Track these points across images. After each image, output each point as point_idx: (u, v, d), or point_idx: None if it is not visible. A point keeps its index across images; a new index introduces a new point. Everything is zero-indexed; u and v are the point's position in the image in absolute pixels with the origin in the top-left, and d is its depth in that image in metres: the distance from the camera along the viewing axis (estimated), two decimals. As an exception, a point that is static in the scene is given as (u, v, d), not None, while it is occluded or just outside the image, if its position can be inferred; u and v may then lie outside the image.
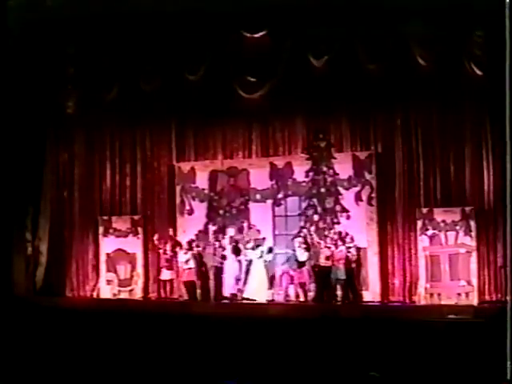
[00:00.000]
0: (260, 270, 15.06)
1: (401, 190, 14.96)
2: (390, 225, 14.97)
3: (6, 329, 12.22)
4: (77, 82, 16.45)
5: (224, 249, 15.52)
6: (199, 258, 15.59)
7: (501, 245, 13.09)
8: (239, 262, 15.38)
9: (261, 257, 15.07)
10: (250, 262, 15.20)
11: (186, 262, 15.59)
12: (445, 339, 10.69)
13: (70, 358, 11.28)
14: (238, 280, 15.28)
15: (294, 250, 14.99)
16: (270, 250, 15.24)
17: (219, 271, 15.39)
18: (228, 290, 15.33)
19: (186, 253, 15.64)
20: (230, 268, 15.37)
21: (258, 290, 14.98)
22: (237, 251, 15.42)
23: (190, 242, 15.83)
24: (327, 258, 14.64)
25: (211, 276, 15.39)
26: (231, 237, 15.71)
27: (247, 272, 15.20)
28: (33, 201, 17.00)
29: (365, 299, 14.74)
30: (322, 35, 14.49)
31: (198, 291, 15.50)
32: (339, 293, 14.59)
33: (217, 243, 15.62)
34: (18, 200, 16.33)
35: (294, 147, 15.84)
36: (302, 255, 14.81)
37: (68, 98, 16.49)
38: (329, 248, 14.67)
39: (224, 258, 15.42)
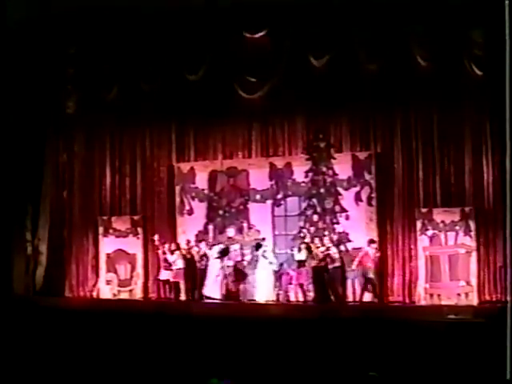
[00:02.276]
0: (264, 269, 15.04)
1: (400, 190, 14.95)
2: (390, 225, 14.97)
3: (6, 328, 12.22)
4: (77, 82, 16.45)
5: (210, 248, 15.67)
6: (187, 259, 15.66)
7: (501, 245, 13.08)
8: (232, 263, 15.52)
9: (264, 256, 15.05)
10: (255, 262, 15.25)
11: (174, 262, 15.66)
12: (445, 339, 10.68)
13: (69, 358, 11.27)
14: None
15: (292, 250, 15.02)
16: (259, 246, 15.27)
17: (203, 273, 15.49)
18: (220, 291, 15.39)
19: (172, 253, 15.72)
20: (215, 269, 15.41)
21: (264, 291, 14.96)
22: (224, 253, 15.47)
23: (177, 243, 15.94)
24: (323, 258, 14.70)
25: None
26: (217, 241, 15.84)
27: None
28: (32, 201, 17.00)
29: (364, 299, 14.75)
30: (322, 35, 14.50)
31: (183, 292, 15.60)
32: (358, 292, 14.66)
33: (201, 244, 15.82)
34: (18, 200, 16.35)
35: (294, 147, 15.84)
36: (301, 255, 14.82)
37: (68, 98, 16.49)
38: (328, 248, 14.72)
39: (207, 259, 15.52)
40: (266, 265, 15.05)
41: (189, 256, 15.69)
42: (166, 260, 15.81)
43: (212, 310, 14.48)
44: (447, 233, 14.14)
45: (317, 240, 14.92)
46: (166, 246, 15.93)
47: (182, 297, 15.60)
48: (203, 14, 14.56)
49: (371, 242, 14.60)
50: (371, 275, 14.47)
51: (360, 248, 14.73)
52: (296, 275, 14.93)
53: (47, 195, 17.18)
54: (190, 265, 15.61)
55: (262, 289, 15.04)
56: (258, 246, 15.30)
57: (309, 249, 14.78)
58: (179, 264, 15.61)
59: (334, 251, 14.68)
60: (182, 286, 15.62)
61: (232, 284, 15.49)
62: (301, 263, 14.83)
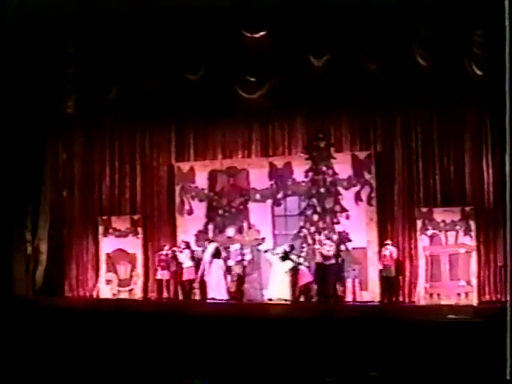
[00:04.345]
0: (280, 271, 15.00)
1: (400, 189, 14.97)
2: (390, 225, 14.98)
3: (6, 328, 12.22)
4: (77, 82, 16.42)
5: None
6: (196, 258, 15.72)
7: (501, 245, 13.08)
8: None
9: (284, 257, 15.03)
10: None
11: (183, 261, 15.71)
12: (445, 339, 10.68)
13: (69, 357, 11.26)
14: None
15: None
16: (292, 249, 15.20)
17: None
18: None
19: (181, 252, 15.75)
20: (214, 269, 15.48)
21: (279, 292, 14.94)
22: (217, 254, 15.51)
23: (187, 242, 15.94)
24: (324, 257, 14.73)
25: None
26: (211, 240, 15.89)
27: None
28: (32, 201, 16.98)
29: (365, 299, 14.76)
30: (322, 35, 14.50)
31: (194, 291, 15.69)
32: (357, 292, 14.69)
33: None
34: (18, 200, 16.33)
35: (294, 147, 15.83)
36: (285, 266, 14.88)
37: (68, 98, 16.47)
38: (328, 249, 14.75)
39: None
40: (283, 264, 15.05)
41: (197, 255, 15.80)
42: (166, 260, 15.81)
43: (212, 310, 14.48)
44: (447, 232, 14.16)
45: (315, 239, 14.97)
46: (167, 246, 15.97)
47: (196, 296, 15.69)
48: (203, 13, 14.54)
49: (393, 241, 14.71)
50: (392, 275, 14.51)
51: (363, 248, 14.81)
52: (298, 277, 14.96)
53: (47, 195, 17.16)
54: (198, 264, 15.69)
55: (275, 288, 15.01)
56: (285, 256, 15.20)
57: (307, 250, 14.84)
58: (189, 262, 15.64)
59: (332, 250, 14.72)
60: (195, 285, 15.71)
61: (232, 284, 15.50)
62: (294, 268, 14.87)
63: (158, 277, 15.98)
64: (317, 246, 14.89)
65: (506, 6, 7.81)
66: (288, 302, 14.77)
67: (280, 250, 15.11)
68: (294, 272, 14.96)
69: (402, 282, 14.75)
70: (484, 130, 14.21)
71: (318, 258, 14.77)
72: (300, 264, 14.92)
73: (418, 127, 14.87)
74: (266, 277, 15.34)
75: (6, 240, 15.74)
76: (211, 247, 15.59)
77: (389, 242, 14.64)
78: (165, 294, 15.96)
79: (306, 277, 14.90)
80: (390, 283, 14.61)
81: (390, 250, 14.56)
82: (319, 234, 15.06)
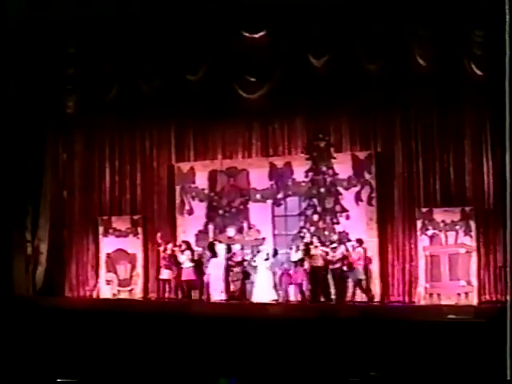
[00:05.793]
0: (265, 272, 14.99)
1: (400, 189, 14.95)
2: (390, 225, 14.96)
3: (6, 328, 12.23)
4: (77, 82, 16.43)
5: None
6: (197, 258, 15.69)
7: (501, 245, 13.08)
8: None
9: (267, 259, 15.01)
10: (255, 266, 15.22)
11: (183, 261, 15.66)
12: (445, 339, 10.69)
13: (69, 357, 11.28)
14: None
15: (291, 249, 15.02)
16: (276, 253, 15.19)
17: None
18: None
19: (182, 252, 15.70)
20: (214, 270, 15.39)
21: (264, 293, 14.91)
22: (213, 252, 15.48)
23: (187, 242, 15.92)
24: (324, 259, 14.71)
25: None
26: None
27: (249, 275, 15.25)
28: (33, 201, 17.01)
29: (365, 299, 14.75)
30: (322, 35, 14.50)
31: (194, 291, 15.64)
32: (357, 293, 14.57)
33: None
34: (18, 200, 16.35)
35: (294, 147, 15.83)
36: (297, 255, 14.83)
37: (68, 98, 16.48)
38: (332, 248, 14.73)
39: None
40: (265, 265, 15.03)
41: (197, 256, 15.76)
42: (175, 258, 15.75)
43: (212, 310, 14.47)
44: (447, 232, 14.14)
45: (315, 239, 14.92)
46: (170, 245, 15.94)
47: (195, 296, 15.62)
48: (203, 13, 14.55)
49: (358, 241, 14.62)
50: (361, 276, 14.48)
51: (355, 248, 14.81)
52: (294, 275, 14.93)
53: (47, 195, 17.19)
54: (198, 264, 15.65)
55: (261, 289, 15.00)
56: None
57: (307, 250, 14.78)
58: (189, 263, 15.63)
59: (335, 252, 14.69)
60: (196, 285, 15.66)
61: (234, 284, 15.48)
62: (297, 263, 14.83)
63: (163, 276, 15.91)
64: (319, 249, 14.85)
65: (506, 5, 7.82)
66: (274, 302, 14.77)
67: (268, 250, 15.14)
68: (286, 271, 14.97)
69: (402, 282, 14.74)
70: (484, 130, 14.19)
71: (322, 261, 14.72)
72: (302, 261, 14.90)
73: (418, 127, 14.85)
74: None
75: (6, 240, 15.75)
76: (222, 248, 15.53)
77: (353, 242, 14.64)
78: (168, 294, 15.93)
79: (298, 277, 14.87)
80: (360, 286, 14.53)
81: (356, 251, 14.53)
82: (326, 240, 15.00)
